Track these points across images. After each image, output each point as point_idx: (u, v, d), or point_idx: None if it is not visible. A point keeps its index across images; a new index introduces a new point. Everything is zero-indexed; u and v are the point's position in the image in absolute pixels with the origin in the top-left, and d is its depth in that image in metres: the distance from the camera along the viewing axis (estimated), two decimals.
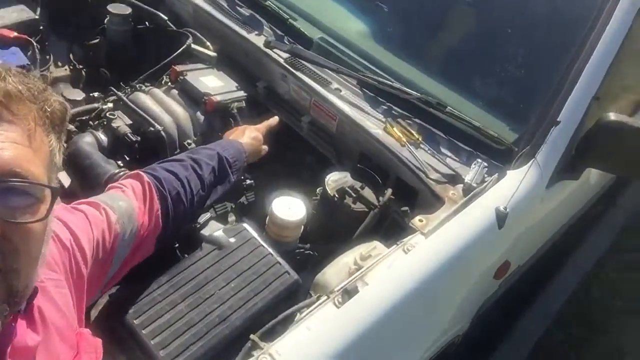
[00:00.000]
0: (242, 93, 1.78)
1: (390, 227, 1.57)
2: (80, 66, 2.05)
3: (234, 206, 1.65)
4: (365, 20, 2.10)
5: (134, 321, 1.13)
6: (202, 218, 1.37)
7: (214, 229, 1.35)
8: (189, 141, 1.63)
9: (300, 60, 1.81)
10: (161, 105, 1.66)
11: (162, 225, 1.20)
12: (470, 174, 1.51)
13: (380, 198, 1.50)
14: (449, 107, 1.66)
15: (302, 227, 1.42)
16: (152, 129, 1.56)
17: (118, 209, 1.10)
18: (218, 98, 1.69)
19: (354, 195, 1.47)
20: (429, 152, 1.60)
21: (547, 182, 1.59)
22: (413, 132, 1.64)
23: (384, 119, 1.68)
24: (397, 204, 1.55)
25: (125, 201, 1.14)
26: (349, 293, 1.17)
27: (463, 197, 1.46)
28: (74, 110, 1.67)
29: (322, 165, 1.78)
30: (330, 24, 2.02)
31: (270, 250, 1.31)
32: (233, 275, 1.25)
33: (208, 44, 1.91)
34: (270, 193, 1.50)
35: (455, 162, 1.60)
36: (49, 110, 0.73)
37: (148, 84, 1.76)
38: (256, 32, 1.92)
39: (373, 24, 2.09)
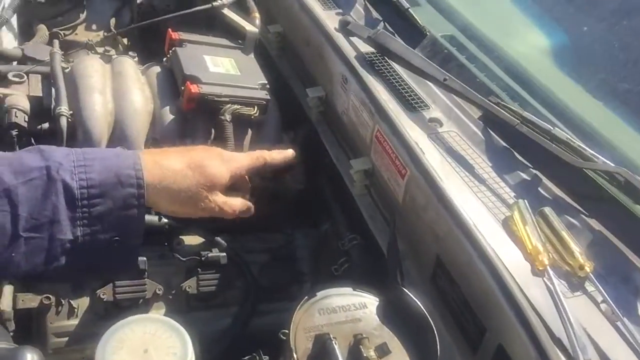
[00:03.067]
0: (262, 94, 0.98)
1: None
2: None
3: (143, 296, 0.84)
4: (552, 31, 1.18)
5: None
6: None
7: None
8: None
9: (387, 58, 0.96)
10: (114, 83, 0.95)
11: None
12: None
13: None
14: None
15: None
16: (57, 111, 0.86)
17: None
18: (205, 89, 0.92)
19: None
20: (601, 305, 0.63)
21: None
22: (575, 248, 0.67)
23: (512, 199, 0.74)
24: None
25: None
26: None
27: None
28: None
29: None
30: (478, 22, 1.13)
31: None
32: None
33: (256, 14, 1.16)
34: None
35: None
36: None
37: (134, 54, 1.08)
38: (338, 10, 1.13)
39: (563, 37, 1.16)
